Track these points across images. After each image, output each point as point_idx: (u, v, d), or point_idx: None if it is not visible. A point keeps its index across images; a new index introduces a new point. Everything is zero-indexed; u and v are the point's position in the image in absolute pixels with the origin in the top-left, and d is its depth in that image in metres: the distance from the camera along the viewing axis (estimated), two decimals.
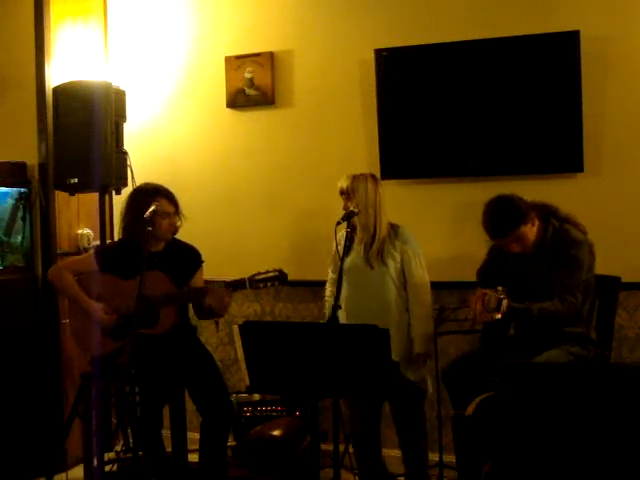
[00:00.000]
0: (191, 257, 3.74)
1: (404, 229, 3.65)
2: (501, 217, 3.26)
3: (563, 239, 3.26)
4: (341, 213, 3.51)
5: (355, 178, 3.61)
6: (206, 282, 3.72)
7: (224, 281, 3.53)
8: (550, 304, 3.19)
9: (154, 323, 3.54)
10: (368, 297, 3.60)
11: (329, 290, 3.80)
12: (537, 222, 3.31)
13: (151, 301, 3.49)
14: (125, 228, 3.67)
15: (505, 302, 3.07)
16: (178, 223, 3.68)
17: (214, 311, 3.60)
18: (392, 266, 3.59)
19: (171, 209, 3.63)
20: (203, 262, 3.75)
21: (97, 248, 3.84)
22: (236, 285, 3.53)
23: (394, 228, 3.64)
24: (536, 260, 3.31)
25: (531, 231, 3.29)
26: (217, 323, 4.12)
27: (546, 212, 3.34)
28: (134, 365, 3.23)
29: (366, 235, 3.58)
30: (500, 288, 3.11)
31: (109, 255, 3.69)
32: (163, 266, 3.60)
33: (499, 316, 3.09)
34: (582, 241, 3.25)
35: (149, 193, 3.62)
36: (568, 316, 3.19)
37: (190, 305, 3.76)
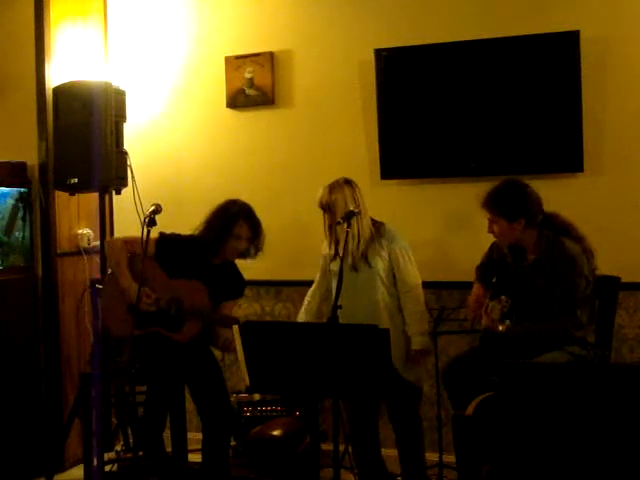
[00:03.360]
0: (237, 285, 3.73)
1: (389, 227, 3.63)
2: (495, 194, 3.31)
3: (558, 253, 3.24)
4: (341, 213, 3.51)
5: (331, 190, 3.58)
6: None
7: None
8: (554, 324, 3.20)
9: (178, 329, 3.53)
10: (355, 298, 3.57)
11: (310, 292, 3.82)
12: (528, 230, 3.29)
13: (184, 306, 3.51)
14: (201, 232, 3.64)
15: (507, 322, 3.09)
16: (248, 251, 3.64)
17: (224, 347, 3.61)
18: (380, 266, 3.57)
19: (246, 235, 3.60)
20: (243, 296, 3.78)
21: (162, 234, 3.70)
22: None
23: (378, 226, 3.62)
24: (534, 269, 3.30)
25: (508, 231, 3.29)
26: (224, 356, 4.09)
27: (543, 221, 3.33)
28: (144, 364, 3.21)
29: (351, 242, 3.55)
30: (504, 298, 3.11)
31: (169, 247, 3.63)
32: (216, 279, 3.60)
33: (501, 328, 3.09)
34: (577, 256, 3.23)
35: (235, 212, 3.60)
36: (573, 333, 3.21)
37: None
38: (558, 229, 3.33)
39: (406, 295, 3.58)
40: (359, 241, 3.56)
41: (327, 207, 3.59)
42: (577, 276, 3.21)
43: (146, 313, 3.49)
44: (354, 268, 3.57)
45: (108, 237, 3.85)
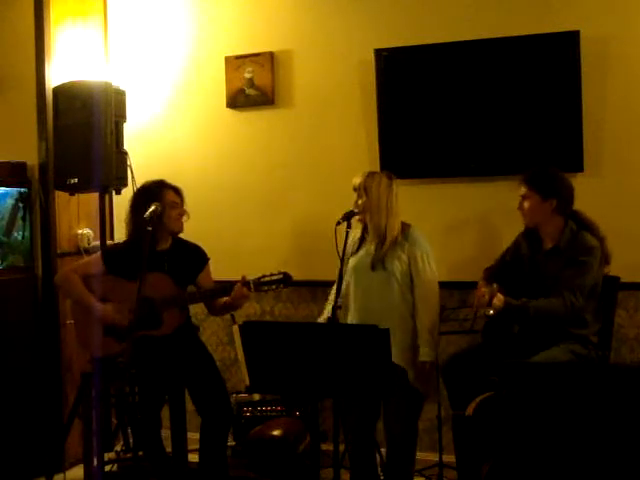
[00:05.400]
0: (197, 255, 3.75)
1: (414, 229, 3.56)
2: (536, 171, 3.42)
3: (578, 244, 3.30)
4: (341, 213, 3.50)
5: (369, 176, 3.54)
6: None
7: (237, 281, 3.56)
8: (546, 302, 3.20)
9: (158, 325, 3.54)
10: (372, 298, 3.53)
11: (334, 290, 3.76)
12: (556, 216, 3.36)
13: (155, 302, 3.50)
14: (131, 229, 3.66)
15: (498, 299, 3.08)
16: (185, 216, 3.69)
17: (230, 306, 3.65)
18: (397, 268, 3.49)
19: (178, 199, 3.66)
20: (209, 259, 3.77)
21: (104, 250, 3.83)
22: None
23: (404, 228, 3.55)
24: (550, 255, 3.35)
25: (538, 208, 3.36)
26: (233, 316, 4.15)
27: (569, 214, 3.39)
28: (135, 366, 3.22)
29: (377, 236, 3.52)
30: (495, 285, 3.12)
31: (116, 257, 3.67)
32: (172, 265, 3.61)
33: (491, 312, 3.09)
34: (595, 248, 3.28)
35: (153, 188, 3.63)
36: (566, 315, 3.20)
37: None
38: (583, 225, 3.38)
39: (421, 301, 3.49)
40: (385, 240, 3.50)
41: (359, 190, 3.53)
42: (590, 264, 3.25)
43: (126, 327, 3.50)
44: (372, 267, 3.52)
45: (56, 276, 3.87)
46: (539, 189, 3.36)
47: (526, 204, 3.39)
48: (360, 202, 3.52)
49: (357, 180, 3.56)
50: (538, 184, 3.37)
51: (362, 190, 3.52)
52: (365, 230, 3.59)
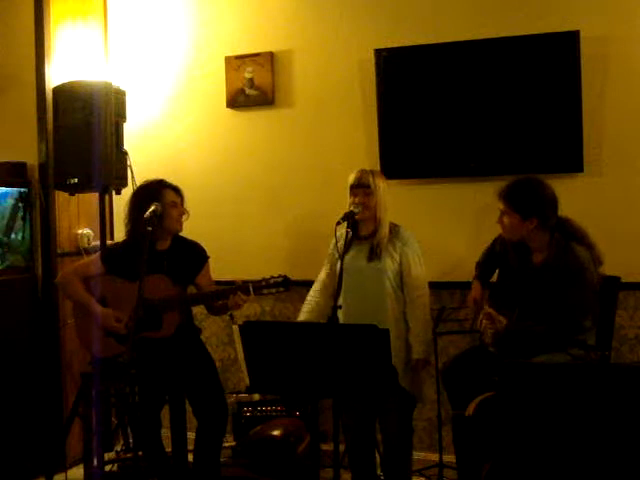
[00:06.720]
0: (197, 254, 3.73)
1: (404, 230, 3.58)
2: (514, 188, 3.26)
3: (567, 258, 3.20)
4: (341, 213, 3.49)
5: (374, 175, 3.54)
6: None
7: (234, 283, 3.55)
8: (552, 327, 3.18)
9: (158, 327, 3.53)
10: (364, 297, 3.53)
11: (314, 291, 3.73)
12: (540, 231, 3.26)
13: (154, 303, 3.50)
14: (131, 229, 3.64)
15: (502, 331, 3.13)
16: (185, 215, 3.69)
17: (227, 308, 3.64)
18: (390, 267, 3.50)
19: (178, 199, 3.64)
20: (209, 258, 3.76)
21: (103, 250, 3.81)
22: (240, 290, 3.53)
23: (394, 228, 3.58)
24: (542, 271, 3.27)
25: (518, 227, 3.24)
26: (232, 316, 4.15)
27: (556, 224, 3.29)
28: (136, 366, 3.22)
29: (378, 234, 3.51)
30: (502, 319, 3.15)
31: (116, 257, 3.66)
32: (172, 264, 3.61)
33: (492, 350, 3.17)
34: (586, 262, 3.19)
35: (153, 188, 3.61)
36: (573, 335, 3.20)
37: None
38: (570, 235, 3.27)
39: (413, 301, 3.50)
40: (384, 238, 3.51)
41: (367, 186, 3.50)
42: (585, 279, 3.17)
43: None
44: (367, 264, 3.51)
45: (57, 278, 3.87)
46: (517, 209, 3.22)
47: (505, 220, 3.28)
48: (368, 200, 3.49)
49: (362, 176, 3.53)
50: (516, 203, 3.23)
51: (373, 188, 3.50)
52: (355, 229, 3.57)
